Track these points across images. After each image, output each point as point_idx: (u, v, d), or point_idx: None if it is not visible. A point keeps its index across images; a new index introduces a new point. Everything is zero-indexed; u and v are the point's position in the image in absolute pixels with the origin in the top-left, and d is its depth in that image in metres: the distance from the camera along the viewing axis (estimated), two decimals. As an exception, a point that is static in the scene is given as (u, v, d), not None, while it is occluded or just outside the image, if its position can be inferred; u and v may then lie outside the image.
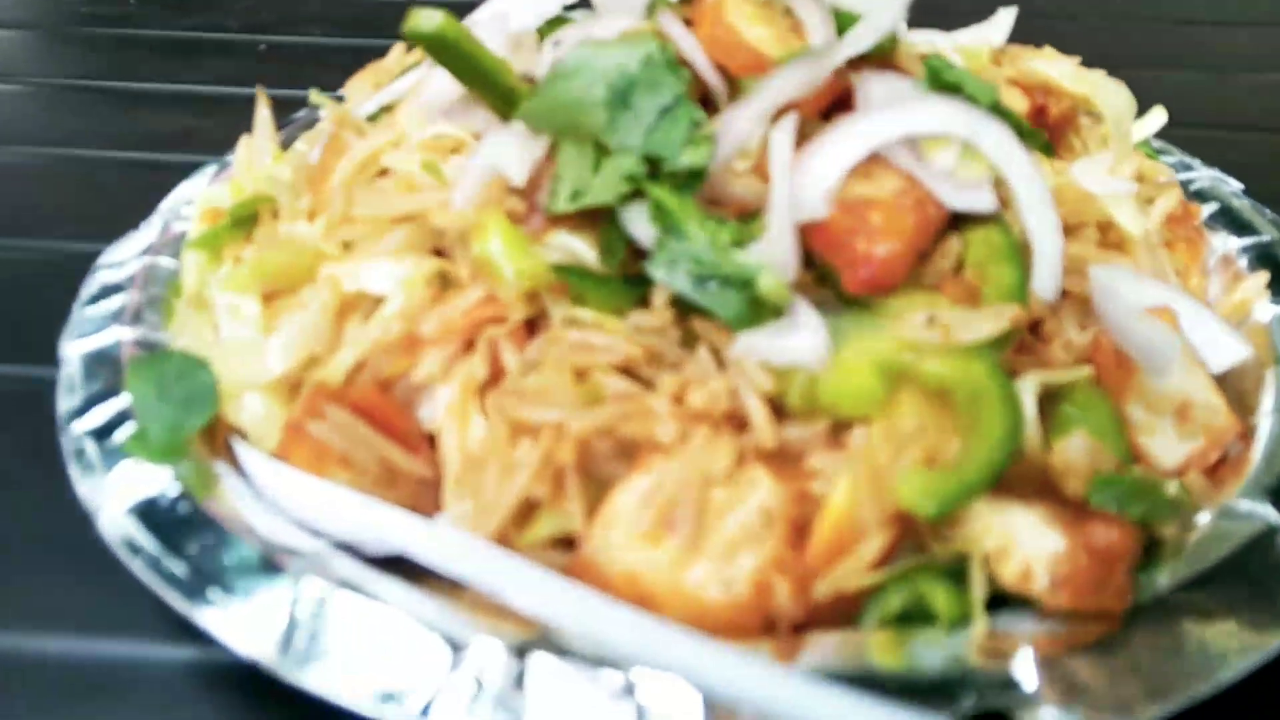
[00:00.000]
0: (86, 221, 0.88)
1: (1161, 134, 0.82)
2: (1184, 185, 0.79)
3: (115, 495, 0.53)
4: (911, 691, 0.43)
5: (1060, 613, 0.46)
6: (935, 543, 0.49)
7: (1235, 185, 0.80)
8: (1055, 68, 0.71)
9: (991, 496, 0.48)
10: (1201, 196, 0.78)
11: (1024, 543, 0.46)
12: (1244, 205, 0.77)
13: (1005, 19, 0.77)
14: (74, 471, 0.55)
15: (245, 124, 0.78)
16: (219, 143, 0.86)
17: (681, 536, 0.48)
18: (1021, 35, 0.80)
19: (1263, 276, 0.68)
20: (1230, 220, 0.75)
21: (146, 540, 0.50)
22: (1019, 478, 0.50)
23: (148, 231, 0.74)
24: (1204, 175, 0.81)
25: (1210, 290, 0.72)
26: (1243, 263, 0.71)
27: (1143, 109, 0.78)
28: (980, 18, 0.79)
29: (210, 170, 0.81)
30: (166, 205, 0.77)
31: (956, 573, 0.48)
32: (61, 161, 0.98)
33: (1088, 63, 0.77)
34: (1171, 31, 1.29)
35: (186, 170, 0.83)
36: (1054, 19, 1.30)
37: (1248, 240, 0.73)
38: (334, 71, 0.89)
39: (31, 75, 1.15)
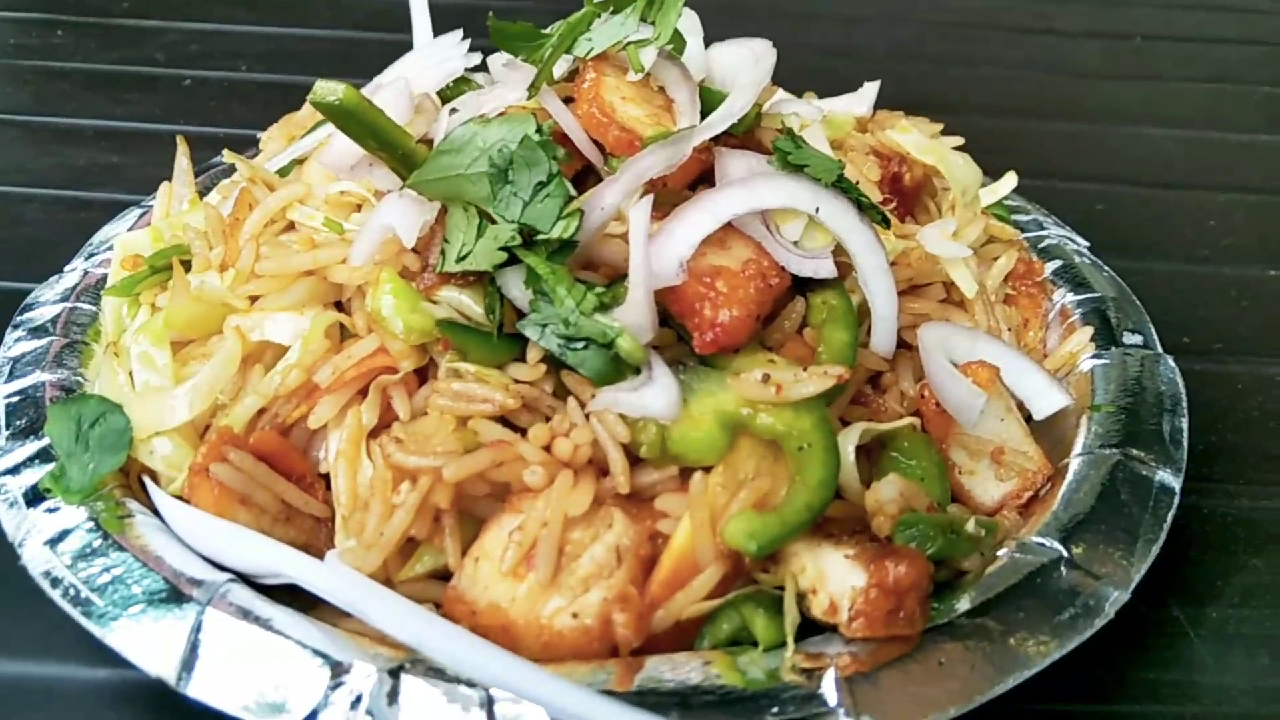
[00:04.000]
0: (10, 260, 0.89)
1: (1036, 185, 0.88)
2: (1034, 243, 0.85)
3: (37, 530, 0.57)
4: (726, 705, 0.49)
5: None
6: (762, 575, 0.55)
7: (1081, 243, 0.86)
8: (908, 139, 0.77)
9: (810, 535, 0.55)
10: (1047, 254, 0.84)
11: (831, 580, 0.53)
12: (1084, 263, 0.83)
13: (869, 91, 0.83)
14: (-1, 508, 0.59)
15: (169, 160, 0.80)
16: (143, 180, 0.87)
17: (541, 572, 0.54)
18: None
19: (1088, 330, 0.75)
20: (1070, 277, 0.81)
21: (64, 572, 0.55)
22: (840, 517, 0.57)
23: (70, 275, 0.78)
24: (1053, 234, 0.87)
25: (1048, 341, 0.78)
26: (1077, 316, 0.78)
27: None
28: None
29: (134, 214, 0.84)
30: (89, 248, 0.81)
31: (778, 601, 0.54)
32: (-15, 198, 0.99)
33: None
34: (1069, 84, 1.37)
35: (110, 208, 0.85)
36: (956, 65, 1.36)
37: (1083, 295, 0.79)
38: (257, 106, 0.90)
39: (-46, 111, 1.14)
